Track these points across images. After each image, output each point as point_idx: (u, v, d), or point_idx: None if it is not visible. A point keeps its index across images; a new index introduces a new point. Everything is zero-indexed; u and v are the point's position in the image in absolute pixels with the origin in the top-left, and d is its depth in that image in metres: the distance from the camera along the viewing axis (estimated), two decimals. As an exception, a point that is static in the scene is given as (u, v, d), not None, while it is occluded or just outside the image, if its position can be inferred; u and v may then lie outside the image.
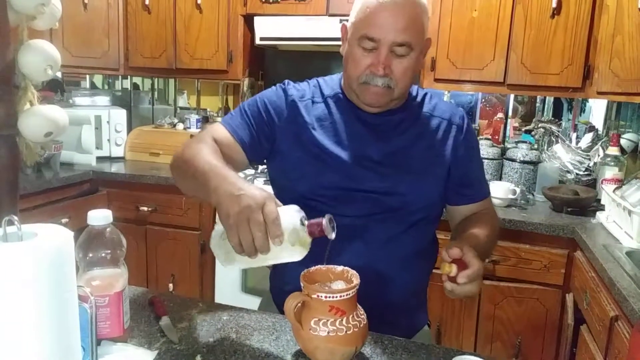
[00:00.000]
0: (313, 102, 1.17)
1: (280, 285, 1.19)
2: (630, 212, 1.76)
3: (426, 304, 1.28)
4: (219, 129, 1.14)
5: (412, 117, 1.16)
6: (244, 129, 1.14)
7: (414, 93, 1.20)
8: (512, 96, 2.78)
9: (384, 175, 1.10)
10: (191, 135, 2.91)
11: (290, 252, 0.83)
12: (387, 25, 1.01)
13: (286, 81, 1.22)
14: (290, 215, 0.83)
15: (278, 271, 1.24)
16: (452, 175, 1.16)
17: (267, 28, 2.65)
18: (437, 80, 2.44)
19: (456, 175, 1.16)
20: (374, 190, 1.10)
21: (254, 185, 0.85)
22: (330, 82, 1.21)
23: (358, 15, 1.06)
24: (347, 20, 1.12)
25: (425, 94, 1.21)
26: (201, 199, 0.90)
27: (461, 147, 1.16)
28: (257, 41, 2.69)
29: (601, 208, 2.14)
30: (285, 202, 0.87)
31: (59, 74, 3.28)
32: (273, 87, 1.21)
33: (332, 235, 0.84)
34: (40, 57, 0.89)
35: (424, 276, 1.22)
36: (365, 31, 1.03)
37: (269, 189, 1.10)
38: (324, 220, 0.82)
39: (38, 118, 0.88)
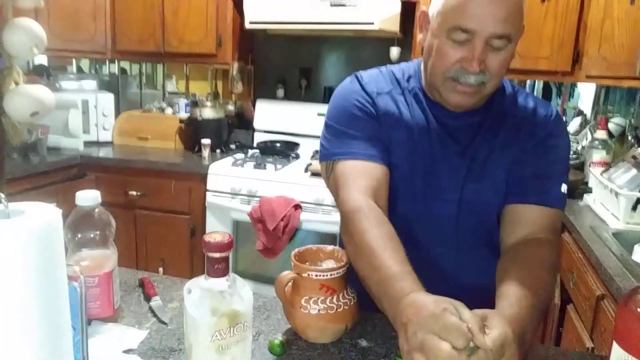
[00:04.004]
0: (391, 95, 1.04)
1: None
2: (617, 194, 1.78)
3: None
4: (355, 169, 0.97)
5: (492, 119, 1.01)
6: (373, 149, 0.98)
7: (501, 89, 1.04)
8: (501, 80, 2.78)
9: (460, 180, 1.01)
10: (180, 120, 2.89)
11: None
12: (485, 15, 0.86)
13: (357, 74, 1.07)
14: None
15: None
16: (514, 171, 1.00)
17: (257, 12, 2.62)
18: (427, 64, 2.44)
19: (518, 170, 0.99)
20: (452, 198, 1.01)
21: (426, 296, 0.68)
22: (407, 71, 1.07)
23: (448, 3, 0.90)
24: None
25: (507, 88, 1.06)
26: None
27: (533, 144, 1.00)
28: (247, 25, 2.66)
29: (589, 190, 2.16)
30: None
31: (45, 58, 3.23)
32: (347, 87, 1.06)
33: None
34: (25, 36, 0.88)
35: None
36: (458, 22, 0.88)
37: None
38: None
39: (24, 97, 0.87)
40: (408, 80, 1.05)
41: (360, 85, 1.04)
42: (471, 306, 0.68)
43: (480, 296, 0.85)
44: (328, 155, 1.01)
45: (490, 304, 0.80)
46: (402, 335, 0.66)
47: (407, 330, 0.64)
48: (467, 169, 1.00)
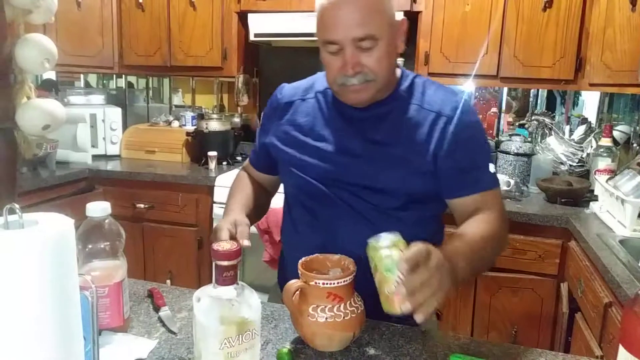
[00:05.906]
0: (303, 99, 1.18)
1: (287, 277, 1.18)
2: (623, 201, 1.78)
3: None
4: (248, 165, 1.33)
5: (398, 110, 1.09)
6: (259, 158, 1.27)
7: (406, 81, 1.12)
8: (505, 90, 2.80)
9: (363, 168, 1.07)
10: (187, 133, 2.92)
11: None
12: (342, 24, 0.96)
13: (281, 86, 1.25)
14: None
15: (285, 264, 1.26)
16: (440, 169, 1.06)
17: (261, 24, 2.66)
18: (430, 74, 2.45)
19: (445, 167, 1.06)
20: (356, 183, 1.08)
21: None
22: (325, 77, 1.15)
23: (317, 21, 1.02)
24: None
25: (417, 83, 1.12)
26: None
27: (449, 139, 1.05)
28: (252, 38, 2.70)
29: (594, 198, 2.16)
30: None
31: (53, 74, 3.28)
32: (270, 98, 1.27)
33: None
34: (37, 51, 0.90)
35: None
36: (324, 36, 1.00)
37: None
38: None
39: (36, 111, 0.89)
40: (323, 84, 1.15)
41: (275, 97, 1.24)
42: None
43: None
44: None
45: None
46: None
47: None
48: (373, 158, 1.07)
